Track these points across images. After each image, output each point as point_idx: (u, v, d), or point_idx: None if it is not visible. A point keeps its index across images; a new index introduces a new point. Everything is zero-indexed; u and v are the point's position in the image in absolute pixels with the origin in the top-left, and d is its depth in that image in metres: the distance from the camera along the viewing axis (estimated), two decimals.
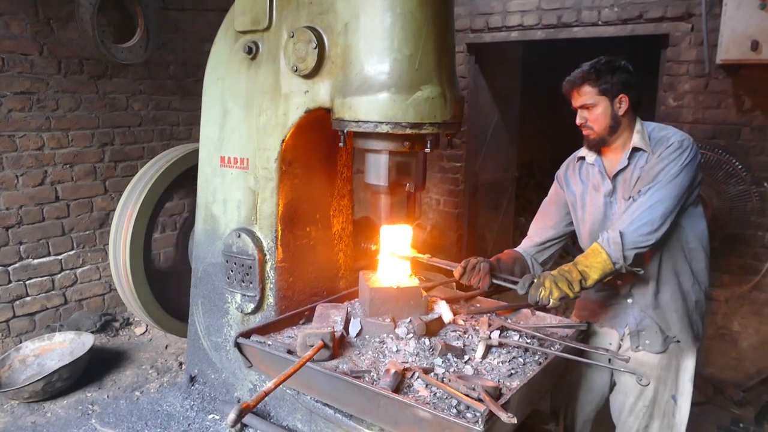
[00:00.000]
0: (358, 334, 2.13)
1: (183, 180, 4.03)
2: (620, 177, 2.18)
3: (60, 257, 4.20)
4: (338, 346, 1.98)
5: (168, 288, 4.04)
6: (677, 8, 3.75)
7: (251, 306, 2.43)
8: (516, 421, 1.50)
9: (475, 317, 2.33)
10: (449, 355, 1.96)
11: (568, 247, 2.87)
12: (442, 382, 1.75)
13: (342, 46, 2.02)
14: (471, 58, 4.82)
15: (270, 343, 2.06)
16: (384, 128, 1.94)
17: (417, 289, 2.23)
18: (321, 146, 2.48)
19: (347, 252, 2.77)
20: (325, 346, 1.89)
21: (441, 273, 2.63)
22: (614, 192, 2.20)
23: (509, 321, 2.24)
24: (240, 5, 2.31)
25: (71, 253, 4.27)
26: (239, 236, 2.41)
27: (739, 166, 3.61)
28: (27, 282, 4.03)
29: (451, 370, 1.88)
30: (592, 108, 2.13)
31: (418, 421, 1.59)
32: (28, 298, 4.04)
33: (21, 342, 3.85)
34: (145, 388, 3.47)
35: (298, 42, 2.10)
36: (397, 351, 2.00)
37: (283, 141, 2.27)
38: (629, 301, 2.23)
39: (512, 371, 1.90)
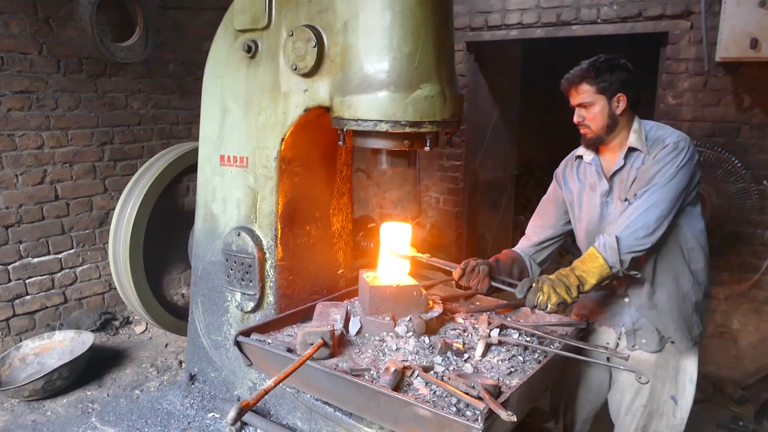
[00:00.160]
0: (357, 333, 2.13)
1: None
2: (617, 177, 2.17)
3: (60, 256, 4.21)
4: (338, 344, 1.99)
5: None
6: (676, 6, 3.75)
7: (251, 304, 2.44)
8: (515, 419, 1.50)
9: (474, 315, 2.33)
10: (449, 353, 1.96)
11: (567, 245, 2.88)
12: (442, 380, 1.75)
13: (341, 45, 2.02)
14: (470, 57, 4.82)
15: (270, 341, 2.06)
16: (383, 127, 1.94)
17: (417, 287, 2.23)
18: (320, 145, 2.48)
19: (347, 250, 2.77)
20: (324, 344, 1.89)
21: (441, 272, 2.63)
22: (611, 192, 2.19)
23: (509, 319, 2.24)
24: (239, 4, 2.31)
25: (71, 251, 4.27)
26: (239, 235, 2.41)
27: (739, 164, 3.61)
28: (27, 281, 4.03)
29: (451, 368, 1.88)
30: (589, 106, 2.12)
31: (417, 420, 1.60)
32: (28, 297, 4.04)
33: (21, 341, 3.85)
34: (145, 386, 3.48)
35: (297, 40, 2.10)
36: (397, 349, 2.00)
37: (282, 139, 2.27)
38: (626, 300, 2.23)
39: (512, 369, 1.90)
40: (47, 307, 4.16)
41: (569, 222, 2.42)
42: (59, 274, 4.22)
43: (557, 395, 2.50)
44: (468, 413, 1.60)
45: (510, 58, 5.35)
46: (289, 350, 1.96)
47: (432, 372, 1.84)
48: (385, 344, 2.04)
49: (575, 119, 2.19)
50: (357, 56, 1.98)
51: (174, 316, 4.05)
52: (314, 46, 2.06)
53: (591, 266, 1.99)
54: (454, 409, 1.62)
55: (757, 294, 3.81)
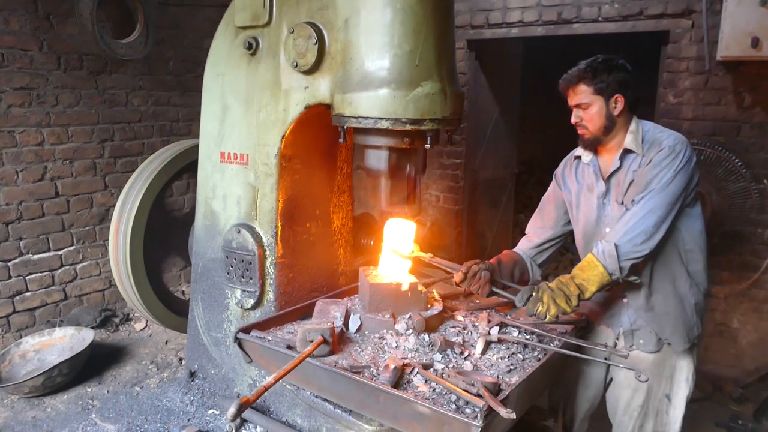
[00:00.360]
0: (357, 330, 2.13)
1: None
2: (614, 179, 2.16)
3: (60, 253, 4.21)
4: (338, 341, 1.99)
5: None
6: (678, 5, 3.75)
7: (251, 301, 2.44)
8: (515, 417, 1.50)
9: (474, 313, 2.34)
10: (448, 351, 1.97)
11: (567, 244, 2.88)
12: (442, 377, 1.75)
13: (342, 42, 2.02)
14: (471, 55, 4.81)
15: (270, 338, 2.07)
16: (384, 124, 1.94)
17: (416, 285, 2.24)
18: (321, 142, 2.48)
19: (347, 248, 2.77)
20: (324, 341, 1.90)
21: (442, 271, 2.64)
22: (607, 193, 2.18)
23: (508, 317, 2.24)
24: (240, 1, 2.31)
25: (71, 248, 4.27)
26: (239, 232, 2.41)
27: (739, 163, 3.61)
28: (27, 277, 4.03)
29: (451, 365, 1.88)
30: (586, 107, 2.11)
31: (417, 417, 1.60)
32: (28, 294, 4.04)
33: (21, 337, 3.85)
34: (145, 383, 3.48)
35: (298, 38, 2.10)
36: (397, 347, 2.01)
37: (283, 137, 2.27)
38: (624, 301, 2.23)
39: (511, 367, 1.90)
40: (47, 304, 4.16)
41: (570, 222, 2.42)
42: (59, 271, 4.22)
43: (557, 393, 2.50)
44: (467, 411, 1.60)
45: (511, 56, 5.34)
46: (289, 347, 1.96)
47: (432, 369, 1.85)
48: (384, 342, 2.05)
49: (573, 120, 2.18)
50: (358, 53, 1.98)
51: (174, 313, 4.05)
52: (315, 43, 2.06)
53: (590, 274, 1.99)
54: (454, 406, 1.62)
55: (756, 293, 3.81)
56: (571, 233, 2.45)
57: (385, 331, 2.11)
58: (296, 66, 2.14)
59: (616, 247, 1.97)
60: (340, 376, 1.78)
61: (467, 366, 1.89)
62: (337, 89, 2.04)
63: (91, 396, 3.33)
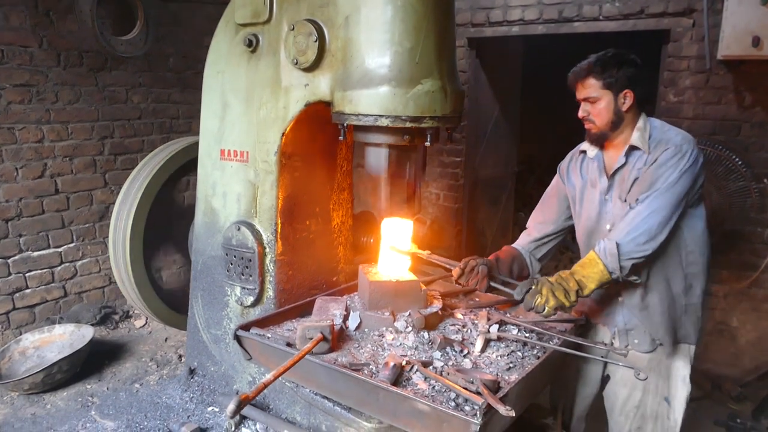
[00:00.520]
0: (357, 328, 2.13)
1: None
2: (618, 175, 2.14)
3: (60, 250, 4.21)
4: (337, 339, 1.99)
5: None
6: (679, 4, 3.74)
7: (251, 299, 2.44)
8: (514, 415, 1.50)
9: (474, 311, 2.34)
10: (448, 349, 1.97)
11: (567, 242, 2.88)
12: (441, 375, 1.75)
13: (342, 39, 2.02)
14: (472, 53, 4.80)
15: (269, 335, 2.07)
16: (384, 122, 1.94)
17: (416, 282, 2.24)
18: (321, 139, 2.48)
19: (347, 246, 2.77)
20: (324, 338, 1.90)
21: (441, 268, 2.64)
22: (610, 190, 2.17)
23: (508, 315, 2.24)
24: None
25: (71, 245, 4.27)
26: (239, 229, 2.41)
27: (739, 162, 3.61)
28: (27, 274, 4.03)
29: (450, 363, 1.89)
30: (594, 101, 2.08)
31: (416, 414, 1.60)
32: (27, 291, 4.04)
33: (21, 334, 3.85)
34: (144, 380, 3.48)
35: (298, 35, 2.10)
36: (396, 344, 2.01)
37: (283, 134, 2.27)
38: (619, 299, 2.22)
39: (511, 365, 1.90)
40: (47, 301, 4.16)
41: (571, 217, 2.41)
42: (59, 268, 4.22)
43: (556, 391, 2.51)
44: (467, 408, 1.60)
45: (511, 55, 5.33)
46: (289, 344, 1.96)
47: (431, 367, 1.85)
48: (384, 339, 2.05)
49: (580, 113, 2.15)
50: (358, 51, 1.97)
51: (174, 310, 4.05)
52: (315, 41, 2.05)
53: (591, 271, 1.98)
54: (453, 404, 1.63)
55: (756, 292, 3.81)
56: (571, 228, 2.45)
57: (384, 328, 2.11)
58: (296, 63, 2.13)
59: (618, 245, 1.96)
60: (339, 374, 1.78)
61: (467, 364, 1.89)
62: (337, 87, 2.04)
63: (90, 393, 3.33)
